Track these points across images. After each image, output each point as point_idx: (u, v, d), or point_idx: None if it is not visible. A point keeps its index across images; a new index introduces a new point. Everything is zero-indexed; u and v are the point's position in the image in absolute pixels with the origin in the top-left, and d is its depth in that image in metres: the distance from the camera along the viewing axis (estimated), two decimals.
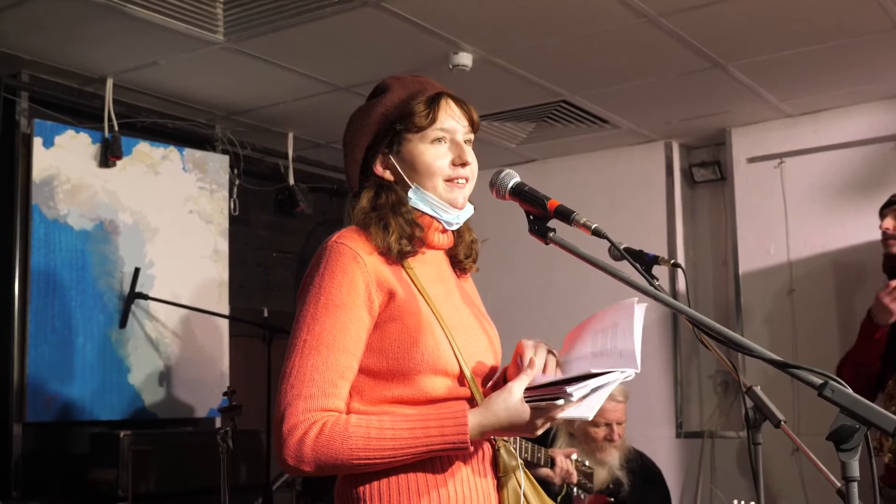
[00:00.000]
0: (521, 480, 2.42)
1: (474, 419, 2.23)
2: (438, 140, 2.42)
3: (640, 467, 5.09)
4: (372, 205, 2.42)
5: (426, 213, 2.43)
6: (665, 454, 5.65)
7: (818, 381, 1.92)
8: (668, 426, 7.03)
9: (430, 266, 2.47)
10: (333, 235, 2.36)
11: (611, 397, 4.82)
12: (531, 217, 2.38)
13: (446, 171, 2.42)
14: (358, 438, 2.19)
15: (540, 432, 2.28)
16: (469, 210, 2.49)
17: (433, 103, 2.43)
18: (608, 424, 4.91)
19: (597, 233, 2.24)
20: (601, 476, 4.90)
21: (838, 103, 6.47)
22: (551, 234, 2.35)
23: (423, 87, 2.46)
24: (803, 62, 5.65)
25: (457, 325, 2.39)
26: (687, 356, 7.09)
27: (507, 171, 2.40)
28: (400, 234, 2.36)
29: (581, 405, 2.22)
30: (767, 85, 6.08)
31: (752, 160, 6.88)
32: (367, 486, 2.29)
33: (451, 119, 2.44)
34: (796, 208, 6.67)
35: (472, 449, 2.27)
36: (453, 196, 2.42)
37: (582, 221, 2.27)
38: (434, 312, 2.35)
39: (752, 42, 5.36)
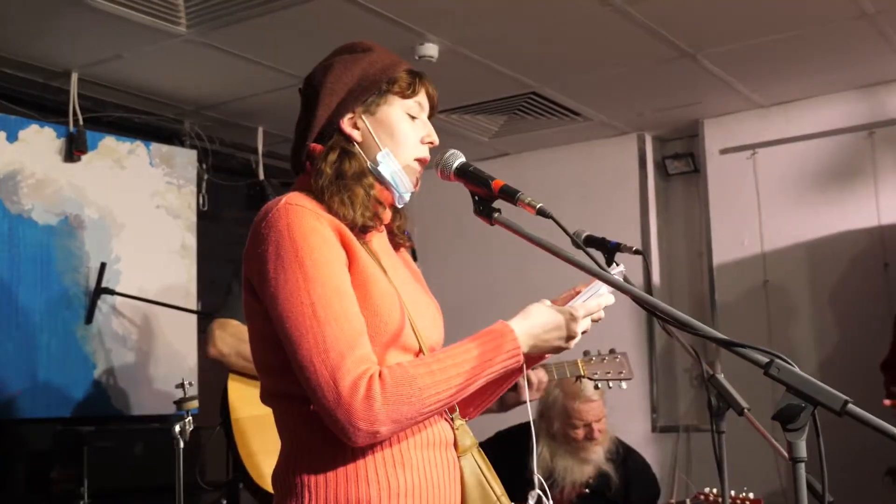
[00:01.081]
0: (479, 461, 2.35)
1: (519, 327, 2.22)
2: (412, 116, 2.38)
3: (626, 458, 5.06)
4: (336, 171, 2.28)
5: (384, 183, 2.34)
6: (640, 448, 5.61)
7: (764, 359, 1.88)
8: (643, 420, 7.01)
9: (380, 239, 2.39)
10: (277, 200, 2.21)
11: (585, 397, 4.82)
12: (476, 198, 2.32)
13: (415, 147, 2.37)
14: (423, 377, 2.09)
15: (580, 331, 2.27)
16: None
17: (417, 78, 2.39)
18: (587, 424, 4.87)
19: (541, 212, 2.19)
20: (586, 471, 4.89)
21: (810, 93, 6.46)
22: (496, 215, 2.30)
23: (401, 60, 2.42)
24: (774, 51, 5.63)
25: (409, 300, 2.31)
26: (662, 350, 7.07)
27: (452, 151, 2.35)
28: (363, 208, 2.26)
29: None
30: (739, 75, 6.05)
31: (724, 151, 6.87)
32: (310, 475, 2.16)
33: (426, 98, 2.40)
34: (770, 199, 6.66)
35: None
36: (416, 174, 2.38)
37: (527, 201, 2.21)
38: (393, 286, 2.26)
39: (722, 31, 5.33)
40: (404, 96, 2.36)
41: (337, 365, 2.03)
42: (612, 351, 4.42)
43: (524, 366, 2.29)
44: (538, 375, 4.25)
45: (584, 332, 2.29)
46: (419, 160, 2.38)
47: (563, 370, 4.29)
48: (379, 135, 2.34)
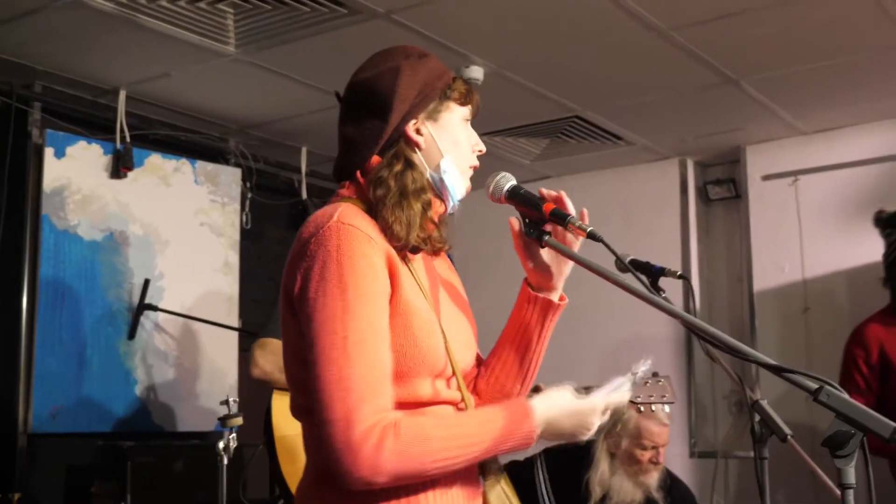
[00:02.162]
0: (506, 488, 2.34)
1: (539, 406, 2.15)
2: (466, 121, 2.39)
3: (672, 487, 4.98)
4: (400, 186, 2.23)
5: (441, 192, 2.31)
6: (678, 473, 5.60)
7: (814, 385, 1.89)
8: (681, 445, 6.98)
9: (419, 255, 2.33)
10: (329, 215, 2.13)
11: (659, 420, 4.80)
12: (527, 220, 2.33)
13: (470, 154, 2.38)
14: (438, 440, 2.04)
15: (597, 422, 2.22)
16: None
17: (469, 84, 2.40)
18: (655, 448, 4.80)
19: (592, 236, 2.20)
20: (637, 496, 4.81)
21: (853, 121, 6.43)
22: (546, 238, 2.30)
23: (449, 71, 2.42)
24: (817, 79, 5.62)
25: (447, 322, 2.26)
26: (701, 376, 7.04)
27: (504, 173, 2.37)
28: (420, 229, 2.22)
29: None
30: (781, 102, 6.05)
31: (766, 178, 6.85)
32: (331, 497, 2.13)
33: (475, 108, 2.41)
34: (811, 226, 6.63)
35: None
36: (468, 181, 2.38)
37: (577, 224, 2.22)
38: (434, 310, 2.22)
39: (765, 58, 5.33)
40: (462, 103, 2.35)
41: (354, 408, 1.98)
42: (655, 374, 4.41)
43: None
44: None
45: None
46: (472, 167, 2.38)
47: None
48: (442, 141, 2.31)
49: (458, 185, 2.33)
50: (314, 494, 2.18)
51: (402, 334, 2.13)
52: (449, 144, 2.32)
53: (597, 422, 2.20)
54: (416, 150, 2.29)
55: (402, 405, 2.12)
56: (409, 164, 2.26)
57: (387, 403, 2.04)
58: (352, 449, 1.96)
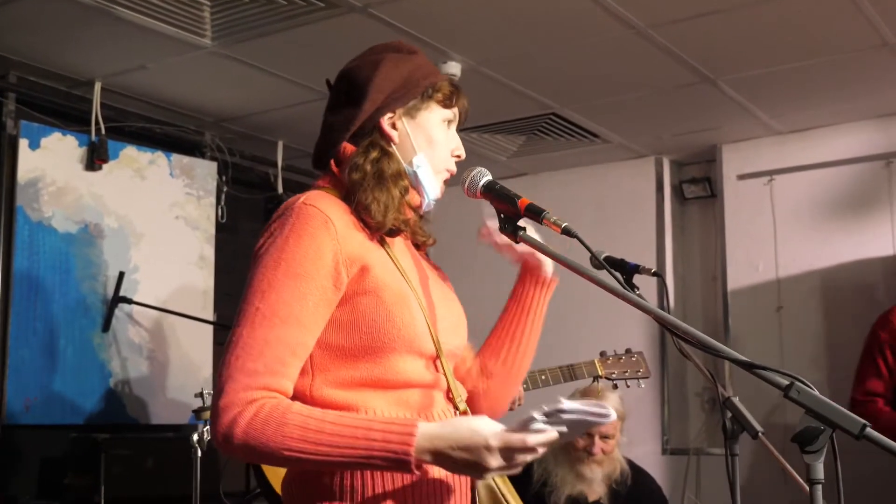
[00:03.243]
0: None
1: (426, 429, 2.00)
2: (448, 122, 2.38)
3: (636, 480, 4.85)
4: (376, 170, 2.26)
5: (420, 187, 2.33)
6: (650, 470, 5.62)
7: (784, 381, 1.90)
8: (653, 442, 7.00)
9: (400, 242, 2.36)
10: (297, 198, 2.18)
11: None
12: (502, 216, 2.32)
13: (447, 157, 2.38)
14: (294, 427, 1.99)
15: (495, 466, 1.98)
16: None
17: (455, 87, 2.39)
18: (590, 434, 4.65)
19: (567, 232, 2.20)
20: (578, 488, 4.69)
21: (828, 121, 6.47)
22: (521, 233, 2.31)
23: (438, 70, 2.42)
24: (794, 79, 5.64)
25: (429, 303, 2.27)
26: (673, 373, 7.06)
27: (479, 168, 2.36)
28: (396, 211, 2.24)
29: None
30: (758, 102, 6.07)
31: (742, 177, 6.88)
32: (303, 483, 2.17)
33: (460, 112, 2.41)
34: (786, 226, 6.67)
35: (416, 473, 2.01)
36: (442, 183, 2.38)
37: (553, 220, 2.21)
38: (412, 289, 2.23)
39: (743, 57, 5.35)
40: (444, 105, 2.36)
41: (233, 376, 2.02)
42: (628, 350, 4.43)
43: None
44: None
45: (504, 469, 2.00)
46: (448, 171, 2.39)
47: (581, 371, 4.30)
48: (417, 139, 2.32)
49: (431, 183, 2.34)
50: (291, 482, 2.22)
51: (374, 310, 2.15)
52: (423, 143, 2.33)
53: (493, 462, 1.97)
54: (391, 143, 2.31)
55: (379, 383, 2.15)
56: (385, 153, 2.29)
57: (275, 384, 2.05)
58: (215, 412, 2.02)
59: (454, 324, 2.38)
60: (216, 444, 2.06)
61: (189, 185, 6.37)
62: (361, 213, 2.21)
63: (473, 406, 2.41)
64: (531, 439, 1.96)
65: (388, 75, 2.30)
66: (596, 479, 4.73)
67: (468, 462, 1.99)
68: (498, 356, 2.49)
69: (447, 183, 2.42)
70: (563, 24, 4.92)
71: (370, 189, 2.23)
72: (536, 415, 1.96)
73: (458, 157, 2.41)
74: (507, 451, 1.97)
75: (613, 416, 2.00)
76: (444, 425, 2.04)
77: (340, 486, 2.12)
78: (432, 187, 2.35)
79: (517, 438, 1.96)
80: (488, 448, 1.96)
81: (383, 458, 1.99)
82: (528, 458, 2.00)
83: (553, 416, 1.96)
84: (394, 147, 2.31)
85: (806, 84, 5.76)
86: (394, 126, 2.31)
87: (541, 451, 1.98)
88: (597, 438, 4.69)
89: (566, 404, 1.96)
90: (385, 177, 2.25)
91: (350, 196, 2.24)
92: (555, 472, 4.71)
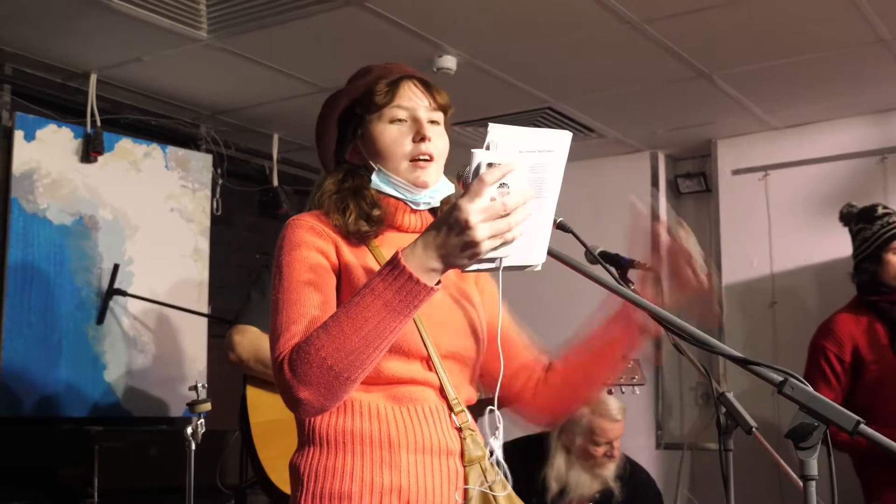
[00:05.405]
0: (489, 474, 2.31)
1: (409, 252, 1.99)
2: (399, 120, 2.37)
3: (632, 474, 5.06)
4: (336, 188, 2.40)
5: (391, 195, 2.36)
6: (644, 465, 5.63)
7: (778, 378, 1.90)
8: (647, 437, 7.01)
9: (402, 243, 2.28)
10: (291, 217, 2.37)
11: (612, 416, 4.85)
12: None
13: (407, 149, 2.35)
14: (317, 335, 2.05)
15: (472, 209, 1.88)
16: (440, 188, 2.39)
17: (394, 84, 2.39)
18: (609, 443, 4.89)
19: (562, 227, 2.21)
20: (594, 486, 4.89)
21: (823, 117, 6.47)
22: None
23: (391, 70, 2.42)
24: (789, 74, 5.65)
25: (428, 304, 2.13)
26: (668, 368, 7.07)
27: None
28: (357, 215, 2.33)
29: (526, 252, 2.00)
30: (753, 97, 6.07)
31: (736, 172, 6.88)
32: (307, 468, 2.25)
33: (413, 97, 2.39)
34: (780, 221, 6.67)
35: (433, 287, 2.00)
36: (415, 175, 2.35)
37: None
38: None
39: (738, 52, 5.35)
40: (380, 108, 2.37)
41: (274, 345, 2.15)
42: (624, 356, 4.43)
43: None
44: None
45: (495, 232, 1.92)
46: (416, 159, 2.35)
47: None
48: (370, 154, 2.39)
49: (398, 188, 2.37)
50: (295, 467, 2.29)
51: None
52: (374, 155, 2.39)
53: (473, 219, 1.89)
54: (359, 166, 2.43)
55: (367, 380, 2.15)
56: (350, 174, 2.44)
57: (299, 331, 2.15)
58: (278, 382, 2.12)
59: (458, 326, 2.39)
60: (294, 408, 2.12)
61: (184, 178, 6.37)
62: (332, 226, 2.34)
63: (512, 405, 2.57)
64: (488, 176, 1.90)
65: (328, 114, 2.46)
66: (610, 475, 4.94)
67: (450, 228, 1.93)
68: (565, 378, 2.59)
69: (423, 167, 2.35)
70: (558, 18, 4.92)
71: (328, 204, 2.38)
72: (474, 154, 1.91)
73: (423, 139, 2.35)
74: (482, 209, 1.89)
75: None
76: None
77: (324, 472, 2.22)
78: (403, 190, 2.36)
79: (474, 184, 1.90)
80: (460, 210, 1.90)
81: (395, 291, 1.99)
82: (508, 221, 1.92)
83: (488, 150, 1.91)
84: (361, 170, 2.42)
85: (801, 80, 5.76)
86: (357, 152, 2.44)
87: (513, 205, 1.93)
88: (615, 443, 4.92)
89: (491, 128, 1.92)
90: (346, 191, 2.39)
91: (326, 214, 2.38)
92: (575, 480, 4.93)
